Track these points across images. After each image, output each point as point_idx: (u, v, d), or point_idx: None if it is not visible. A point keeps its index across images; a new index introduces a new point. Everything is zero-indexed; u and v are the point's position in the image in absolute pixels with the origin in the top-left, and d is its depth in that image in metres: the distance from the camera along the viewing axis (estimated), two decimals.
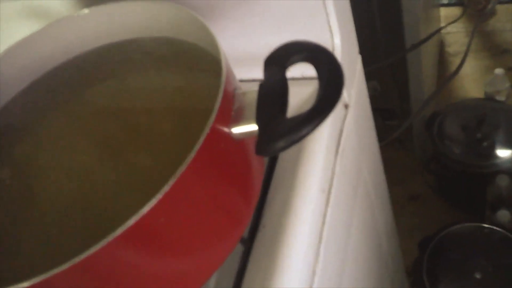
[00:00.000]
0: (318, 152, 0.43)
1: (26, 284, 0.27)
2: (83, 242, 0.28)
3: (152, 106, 0.40)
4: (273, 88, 0.33)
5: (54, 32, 0.43)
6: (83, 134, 0.40)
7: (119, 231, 0.27)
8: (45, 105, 0.42)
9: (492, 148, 1.19)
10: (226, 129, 0.33)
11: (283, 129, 0.30)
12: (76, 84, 0.44)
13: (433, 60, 1.48)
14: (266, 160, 0.44)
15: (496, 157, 1.19)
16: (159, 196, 0.28)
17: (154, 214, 0.28)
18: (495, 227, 1.06)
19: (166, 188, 0.28)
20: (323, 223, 0.44)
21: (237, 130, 0.33)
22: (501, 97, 1.37)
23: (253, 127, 0.33)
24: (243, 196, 0.35)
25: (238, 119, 0.33)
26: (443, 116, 1.26)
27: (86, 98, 0.43)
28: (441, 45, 1.68)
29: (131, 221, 0.27)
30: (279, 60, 0.34)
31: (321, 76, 0.31)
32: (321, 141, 0.45)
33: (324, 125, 0.46)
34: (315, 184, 0.43)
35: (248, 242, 0.41)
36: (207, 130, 0.30)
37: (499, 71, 1.33)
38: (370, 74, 0.62)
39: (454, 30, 1.71)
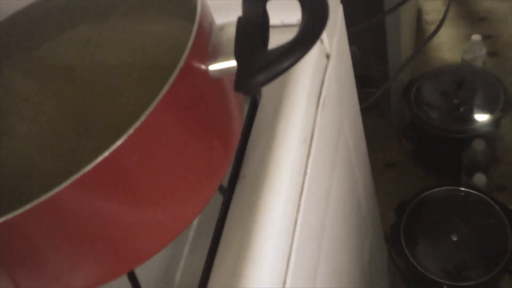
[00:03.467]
0: (299, 99, 0.42)
1: None
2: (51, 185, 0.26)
3: (123, 50, 0.38)
4: (253, 21, 0.30)
5: None
6: (48, 79, 0.37)
7: (88, 167, 0.25)
8: (2, 56, 0.39)
9: (469, 113, 1.20)
10: (202, 66, 0.31)
11: (263, 62, 0.28)
12: (40, 32, 0.41)
13: (411, 27, 1.47)
14: (246, 106, 0.42)
15: (473, 121, 1.19)
16: (130, 132, 0.26)
17: (125, 150, 0.26)
18: (471, 190, 1.07)
19: (137, 123, 0.26)
20: (304, 174, 0.42)
21: (214, 67, 0.31)
22: (478, 64, 1.37)
23: (231, 63, 0.30)
24: (221, 139, 0.34)
25: (215, 56, 0.31)
26: (420, 82, 1.26)
27: (51, 45, 0.40)
28: (419, 13, 1.68)
29: (100, 158, 0.25)
30: None
31: (303, 6, 0.29)
32: (302, 89, 0.43)
33: (305, 73, 0.45)
34: (296, 133, 0.41)
35: (228, 192, 0.39)
36: (181, 63, 0.28)
37: (476, 37, 1.33)
38: (349, 39, 0.61)
39: None
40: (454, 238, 1.02)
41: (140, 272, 0.36)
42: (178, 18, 0.36)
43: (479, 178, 1.14)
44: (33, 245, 0.29)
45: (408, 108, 1.24)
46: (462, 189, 1.08)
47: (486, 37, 1.52)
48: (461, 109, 1.20)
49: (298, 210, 0.40)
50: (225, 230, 0.38)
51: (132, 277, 0.35)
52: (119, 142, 0.26)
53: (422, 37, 1.61)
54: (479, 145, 1.15)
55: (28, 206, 0.25)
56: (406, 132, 1.32)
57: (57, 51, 0.38)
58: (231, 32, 0.31)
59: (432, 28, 1.63)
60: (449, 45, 1.58)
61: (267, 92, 0.44)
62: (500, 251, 0.98)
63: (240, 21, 0.31)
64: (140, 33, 0.38)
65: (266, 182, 0.39)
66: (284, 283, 0.36)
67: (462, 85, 1.22)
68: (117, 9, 0.39)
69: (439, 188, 1.09)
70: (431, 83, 1.26)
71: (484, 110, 1.19)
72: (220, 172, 0.35)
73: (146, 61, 0.36)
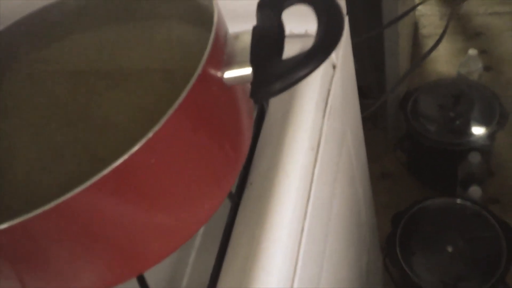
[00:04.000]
0: (307, 107, 0.42)
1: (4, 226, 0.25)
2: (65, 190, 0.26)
3: (137, 56, 0.38)
4: (268, 30, 0.31)
5: None
6: (61, 82, 0.37)
7: (107, 170, 0.26)
8: (8, 60, 0.39)
9: (465, 126, 1.21)
10: (218, 73, 0.31)
11: (279, 71, 0.29)
12: (54, 35, 0.42)
13: (408, 40, 1.49)
14: (253, 115, 0.43)
15: (468, 134, 1.20)
16: (149, 135, 0.27)
17: (144, 153, 0.27)
18: (466, 202, 1.08)
19: (157, 127, 0.27)
20: (311, 181, 0.43)
21: (229, 74, 0.32)
22: (473, 78, 1.39)
23: (246, 70, 0.31)
24: (233, 145, 0.34)
25: (230, 63, 0.32)
26: (417, 94, 1.28)
27: (66, 49, 0.40)
28: (416, 27, 1.70)
29: (120, 160, 0.26)
30: (274, 2, 0.32)
31: (319, 17, 0.30)
32: (310, 98, 0.44)
33: (313, 83, 0.45)
34: (305, 141, 0.42)
35: (236, 198, 0.39)
36: (199, 70, 0.29)
37: (472, 51, 1.35)
38: None
39: (428, 13, 1.73)
40: (449, 250, 1.03)
41: (147, 277, 0.37)
42: (193, 25, 0.37)
43: (475, 191, 1.15)
44: (45, 248, 0.29)
45: (404, 119, 1.26)
46: (458, 200, 1.09)
47: (481, 52, 1.54)
48: (457, 122, 1.22)
49: (305, 217, 0.40)
50: (233, 235, 0.38)
51: (141, 280, 0.35)
52: (138, 146, 0.26)
53: (419, 50, 1.63)
54: (474, 158, 1.16)
55: (43, 209, 0.26)
56: (402, 143, 1.34)
57: (72, 54, 0.38)
58: (246, 40, 0.32)
59: (428, 41, 1.66)
60: (445, 58, 1.60)
61: (275, 100, 0.45)
62: (494, 263, 0.99)
63: (255, 30, 0.32)
64: (155, 39, 0.38)
65: (274, 188, 0.39)
66: None
67: (459, 98, 1.24)
68: (132, 15, 0.40)
69: (434, 200, 1.10)
70: (428, 96, 1.27)
71: (480, 123, 1.20)
72: (230, 177, 0.35)
73: (160, 67, 0.36)
